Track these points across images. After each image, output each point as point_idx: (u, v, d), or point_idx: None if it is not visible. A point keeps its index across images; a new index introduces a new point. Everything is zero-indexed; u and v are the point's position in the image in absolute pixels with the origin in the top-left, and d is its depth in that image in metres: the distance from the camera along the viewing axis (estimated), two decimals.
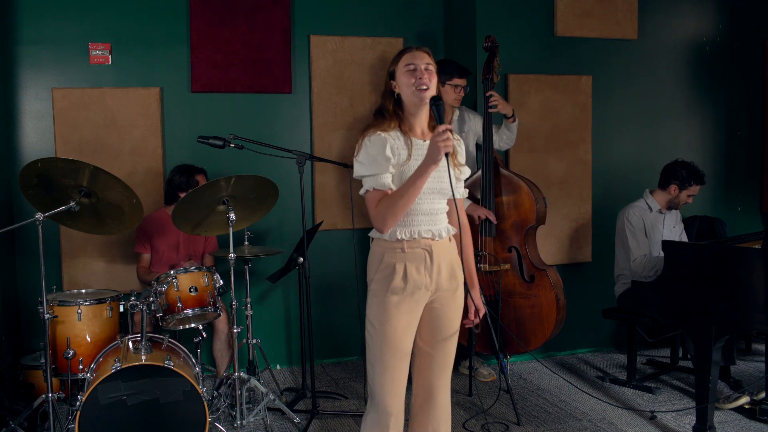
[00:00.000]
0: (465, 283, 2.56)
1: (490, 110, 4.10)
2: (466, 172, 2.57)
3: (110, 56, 4.30)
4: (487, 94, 4.09)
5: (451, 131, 2.40)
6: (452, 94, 4.15)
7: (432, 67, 2.44)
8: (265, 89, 4.55)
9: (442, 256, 2.45)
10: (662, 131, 5.04)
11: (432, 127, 2.47)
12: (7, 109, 4.19)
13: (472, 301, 2.60)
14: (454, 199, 2.41)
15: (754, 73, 5.29)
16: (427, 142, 2.41)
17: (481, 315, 2.59)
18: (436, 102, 2.37)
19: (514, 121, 4.20)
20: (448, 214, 2.54)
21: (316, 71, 4.63)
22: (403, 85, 2.42)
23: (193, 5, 4.38)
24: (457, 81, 4.13)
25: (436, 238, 2.43)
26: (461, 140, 2.62)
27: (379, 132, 2.40)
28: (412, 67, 2.41)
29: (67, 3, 4.22)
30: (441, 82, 4.23)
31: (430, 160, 2.28)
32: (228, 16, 4.44)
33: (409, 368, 2.54)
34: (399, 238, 2.40)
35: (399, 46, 4.73)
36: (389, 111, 2.45)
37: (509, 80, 4.58)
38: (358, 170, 2.41)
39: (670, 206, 4.24)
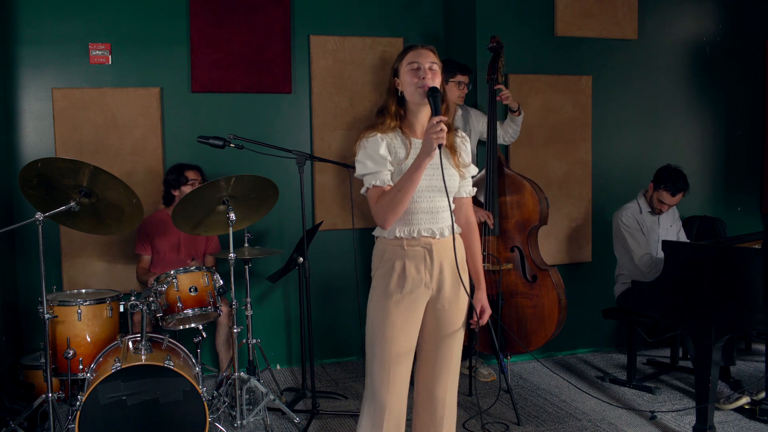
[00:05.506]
0: (471, 282, 2.55)
1: (504, 102, 4.10)
2: (472, 170, 2.54)
3: (110, 56, 4.30)
4: (497, 87, 4.09)
5: (451, 125, 2.38)
6: (456, 92, 4.15)
7: (436, 66, 2.42)
8: (265, 89, 4.55)
9: (443, 254, 2.42)
10: (662, 131, 5.04)
11: None
12: (7, 109, 4.18)
13: (475, 301, 2.56)
14: (447, 194, 2.31)
15: (754, 73, 5.29)
16: None
17: (486, 316, 2.56)
18: (434, 93, 2.32)
19: (519, 114, 4.21)
20: (456, 212, 2.52)
21: (316, 71, 4.63)
22: (406, 83, 2.41)
23: (193, 5, 4.38)
24: (460, 78, 4.13)
25: (437, 237, 2.41)
26: (466, 138, 2.57)
27: (375, 133, 2.40)
28: (415, 65, 2.40)
29: (67, 3, 4.22)
30: (444, 80, 4.26)
31: (423, 153, 2.26)
32: (228, 16, 4.44)
33: (413, 371, 2.52)
34: (398, 236, 2.40)
35: (399, 46, 4.73)
36: (390, 111, 2.44)
37: (509, 80, 4.58)
38: (359, 170, 2.42)
39: (652, 207, 4.23)
